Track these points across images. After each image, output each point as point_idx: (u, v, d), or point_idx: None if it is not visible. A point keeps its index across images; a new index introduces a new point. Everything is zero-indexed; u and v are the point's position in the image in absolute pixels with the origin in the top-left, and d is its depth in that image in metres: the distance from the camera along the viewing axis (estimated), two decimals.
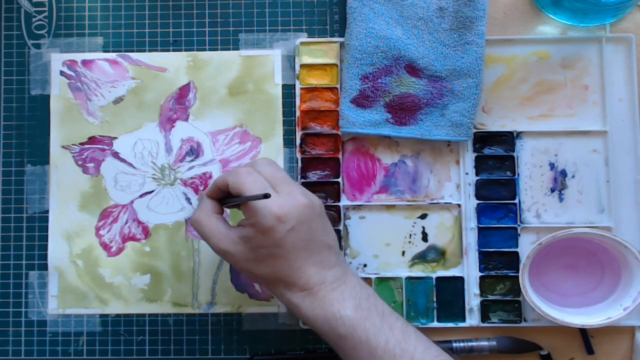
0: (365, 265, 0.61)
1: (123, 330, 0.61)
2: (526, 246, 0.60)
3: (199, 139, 0.62)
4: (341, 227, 0.61)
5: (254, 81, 0.62)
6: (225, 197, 0.54)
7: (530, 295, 0.56)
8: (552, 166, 0.61)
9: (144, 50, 0.63)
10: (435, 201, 0.61)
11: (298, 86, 0.62)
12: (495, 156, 0.61)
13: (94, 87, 0.63)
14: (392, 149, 0.62)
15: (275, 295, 0.54)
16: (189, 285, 0.61)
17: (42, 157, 0.62)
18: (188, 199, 0.62)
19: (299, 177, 0.61)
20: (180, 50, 0.63)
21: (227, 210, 0.61)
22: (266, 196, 0.48)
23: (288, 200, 0.51)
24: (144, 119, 0.62)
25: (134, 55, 0.63)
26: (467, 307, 0.60)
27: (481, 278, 0.60)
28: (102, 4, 0.63)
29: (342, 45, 0.62)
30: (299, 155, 0.61)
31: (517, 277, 0.58)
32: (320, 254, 0.52)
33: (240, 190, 0.51)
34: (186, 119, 0.62)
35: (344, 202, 0.61)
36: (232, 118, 0.62)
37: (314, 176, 0.61)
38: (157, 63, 0.63)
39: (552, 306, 0.58)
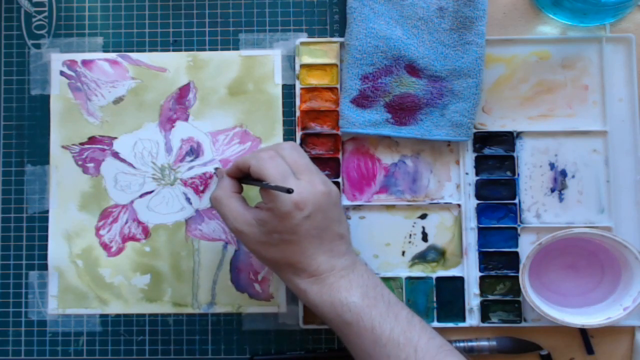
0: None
1: (123, 330, 0.61)
2: (526, 246, 0.60)
3: (199, 139, 0.62)
4: None
5: (254, 81, 0.62)
6: (245, 177, 0.54)
7: (530, 295, 0.56)
8: (552, 166, 0.61)
9: (144, 50, 0.63)
10: (435, 201, 0.61)
11: (298, 86, 0.62)
12: (495, 156, 0.61)
13: (94, 87, 0.63)
14: (392, 149, 0.62)
15: (283, 279, 0.54)
16: (189, 285, 0.61)
17: (42, 157, 0.62)
18: (188, 199, 0.62)
19: None
20: (180, 50, 0.63)
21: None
22: (289, 191, 0.48)
23: (307, 188, 0.51)
24: (144, 119, 0.62)
25: (134, 55, 0.63)
26: (467, 307, 0.60)
27: (481, 278, 0.60)
28: (102, 4, 0.63)
29: (342, 45, 0.62)
30: None
31: (517, 277, 0.58)
32: (332, 242, 0.52)
33: (262, 175, 0.51)
34: (186, 119, 0.62)
35: (344, 202, 0.61)
36: (232, 118, 0.62)
37: None
38: (157, 63, 0.63)
39: (552, 306, 0.57)
